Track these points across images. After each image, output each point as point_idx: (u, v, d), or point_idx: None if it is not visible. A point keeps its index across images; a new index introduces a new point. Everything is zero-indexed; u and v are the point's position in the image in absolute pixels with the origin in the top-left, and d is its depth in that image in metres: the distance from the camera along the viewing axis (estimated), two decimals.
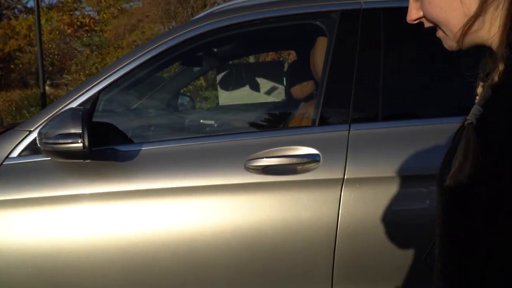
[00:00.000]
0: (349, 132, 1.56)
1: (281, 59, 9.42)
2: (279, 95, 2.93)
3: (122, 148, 1.61)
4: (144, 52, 1.65)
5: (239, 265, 1.54)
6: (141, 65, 1.66)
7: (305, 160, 1.53)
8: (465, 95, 1.69)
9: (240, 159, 1.54)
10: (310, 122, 1.74)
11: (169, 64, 2.25)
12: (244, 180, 1.52)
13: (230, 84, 2.89)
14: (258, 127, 1.98)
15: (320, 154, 1.52)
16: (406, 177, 1.52)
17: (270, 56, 10.46)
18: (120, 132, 1.72)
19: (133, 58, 1.65)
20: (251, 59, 7.23)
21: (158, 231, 1.55)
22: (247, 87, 2.94)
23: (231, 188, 1.53)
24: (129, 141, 1.71)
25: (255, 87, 2.95)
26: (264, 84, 2.95)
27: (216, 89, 3.23)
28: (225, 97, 2.96)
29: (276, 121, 2.19)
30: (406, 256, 1.55)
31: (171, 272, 1.56)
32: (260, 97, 2.94)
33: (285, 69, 3.04)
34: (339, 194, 1.51)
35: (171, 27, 15.01)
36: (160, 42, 1.66)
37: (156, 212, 1.56)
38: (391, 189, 1.52)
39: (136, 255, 1.53)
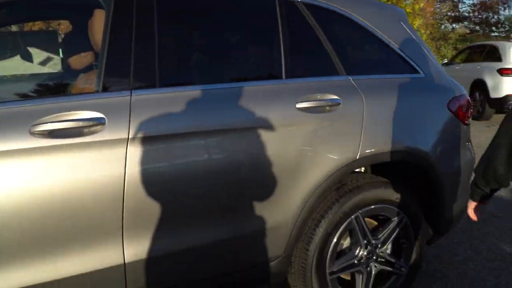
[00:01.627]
0: (131, 97, 1.75)
1: (50, 29, 8.74)
2: (55, 66, 2.88)
3: None
4: None
5: (33, 225, 1.60)
6: None
7: (90, 123, 1.65)
8: (230, 66, 2.08)
9: (24, 124, 1.57)
10: (93, 91, 1.84)
11: None
12: (29, 145, 1.57)
13: None
14: (40, 94, 2.00)
15: (105, 117, 1.67)
16: (183, 134, 1.80)
17: (36, 26, 9.59)
18: None
19: None
20: (15, 28, 6.58)
21: None
22: (18, 57, 2.80)
23: (18, 153, 1.56)
24: None
25: (27, 58, 2.83)
26: (37, 54, 2.86)
27: None
28: None
29: (56, 90, 2.22)
30: (187, 203, 1.85)
31: None
32: (34, 68, 2.83)
33: (60, 39, 2.98)
34: (125, 152, 1.69)
35: None
36: None
37: None
38: (171, 145, 1.79)
39: None
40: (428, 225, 2.57)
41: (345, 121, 2.12)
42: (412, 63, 2.44)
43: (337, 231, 2.18)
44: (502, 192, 4.65)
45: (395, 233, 2.37)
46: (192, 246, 1.89)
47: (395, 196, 2.29)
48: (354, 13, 2.32)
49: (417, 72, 2.46)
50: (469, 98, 2.63)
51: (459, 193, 2.59)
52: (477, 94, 9.60)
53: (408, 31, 2.52)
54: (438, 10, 20.46)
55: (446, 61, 12.11)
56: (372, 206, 2.26)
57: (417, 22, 15.45)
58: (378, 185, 2.28)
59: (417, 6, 15.00)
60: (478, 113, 9.60)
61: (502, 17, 24.47)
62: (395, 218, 2.35)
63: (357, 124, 2.14)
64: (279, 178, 1.99)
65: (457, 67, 10.94)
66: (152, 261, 1.81)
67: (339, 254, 2.29)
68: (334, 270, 2.23)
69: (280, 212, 2.03)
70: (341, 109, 2.12)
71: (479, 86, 9.50)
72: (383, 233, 2.34)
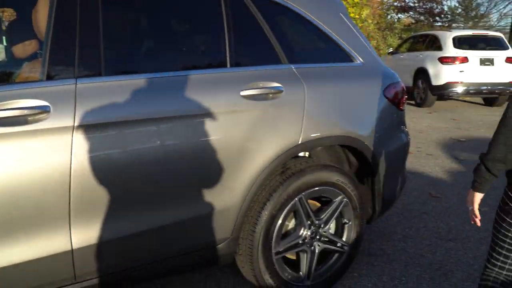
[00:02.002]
0: (76, 86, 1.77)
1: None
2: None
3: None
4: None
5: None
6: None
7: (35, 111, 1.67)
8: (176, 54, 2.12)
9: None
10: (37, 79, 1.85)
11: None
12: None
13: None
14: None
15: (50, 105, 1.69)
16: (128, 121, 1.84)
17: None
18: None
19: None
20: None
21: None
22: None
23: None
24: None
25: None
26: None
27: None
28: None
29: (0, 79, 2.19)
30: (134, 189, 1.89)
31: None
32: None
33: (4, 27, 2.91)
34: (71, 139, 1.72)
35: None
36: None
37: None
38: (117, 133, 1.83)
39: None
40: (368, 205, 2.74)
41: (287, 108, 2.23)
42: (350, 52, 2.58)
43: (282, 213, 2.29)
44: (442, 175, 4.96)
45: (336, 213, 2.51)
46: (140, 230, 1.94)
47: (336, 178, 2.43)
48: (296, 4, 2.42)
49: (355, 61, 2.60)
50: (403, 86, 2.80)
51: (395, 174, 2.77)
52: (420, 82, 10.04)
53: (347, 22, 2.65)
54: (385, 0, 21.05)
55: (392, 50, 12.54)
56: (315, 188, 2.39)
57: (365, 12, 15.89)
58: (320, 168, 2.40)
59: None
60: (421, 100, 10.05)
61: (445, 7, 25.57)
62: (337, 199, 2.49)
63: (299, 111, 2.25)
64: (225, 163, 2.07)
65: (402, 56, 11.38)
66: (100, 247, 1.86)
67: (285, 234, 2.41)
68: (280, 250, 2.35)
69: (226, 196, 2.11)
70: (284, 96, 2.22)
71: (421, 74, 9.94)
72: (325, 213, 2.48)
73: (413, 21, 23.96)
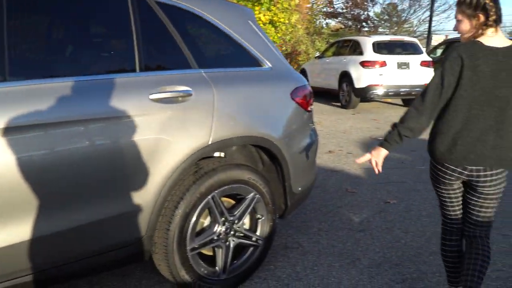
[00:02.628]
0: None
1: None
2: None
3: None
4: None
5: None
6: None
7: None
8: (83, 59, 2.18)
9: None
10: None
11: None
12: None
13: None
14: None
15: None
16: (38, 125, 1.89)
17: None
18: None
19: None
20: None
21: None
22: None
23: None
24: None
25: None
26: None
27: None
28: None
29: None
30: (50, 190, 1.93)
31: None
32: None
33: None
34: None
35: None
36: None
37: None
38: (29, 135, 1.87)
39: None
40: (281, 201, 2.92)
41: (197, 110, 2.35)
42: (258, 57, 2.75)
43: (196, 210, 2.41)
44: (359, 172, 5.29)
45: (249, 209, 2.66)
46: (57, 231, 1.98)
47: (247, 176, 2.58)
48: (205, 11, 2.56)
49: (263, 65, 2.77)
50: (310, 89, 3.02)
51: (305, 171, 2.97)
52: (344, 85, 10.54)
53: (255, 29, 2.82)
54: (315, 6, 21.79)
55: (318, 54, 13.05)
56: (227, 186, 2.53)
57: (294, 18, 16.36)
58: (232, 167, 2.55)
59: (293, 2, 15.87)
60: (346, 102, 10.55)
61: (371, 13, 26.89)
62: (249, 196, 2.64)
63: (209, 113, 2.38)
64: (137, 164, 2.16)
65: (327, 60, 11.88)
66: (18, 247, 1.88)
67: (200, 231, 2.53)
68: (195, 246, 2.46)
69: (139, 196, 2.20)
70: (193, 99, 2.34)
71: (346, 78, 10.44)
72: (238, 210, 2.62)
73: (342, 27, 24.97)
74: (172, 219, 2.34)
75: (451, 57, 2.07)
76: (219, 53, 2.76)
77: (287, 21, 16.04)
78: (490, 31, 2.06)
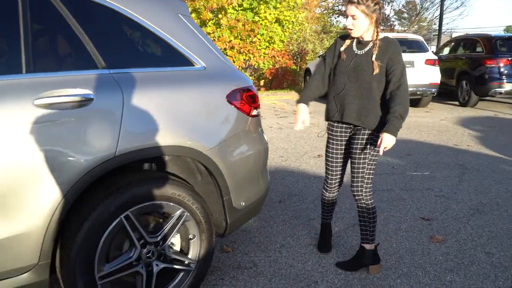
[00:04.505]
0: None
1: None
2: None
3: None
4: None
5: None
6: None
7: None
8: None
9: None
10: None
11: None
12: None
13: None
14: None
15: None
16: None
17: None
18: None
19: None
20: None
21: None
22: None
23: None
24: None
25: None
26: None
27: None
28: None
29: None
30: None
31: None
32: None
33: None
34: None
35: None
36: None
37: None
38: None
39: None
40: (222, 217, 2.57)
41: (99, 118, 2.02)
42: (189, 55, 2.41)
43: (104, 232, 2.08)
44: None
45: (176, 229, 2.32)
46: None
47: (171, 192, 2.24)
48: (121, 4, 2.22)
49: (195, 64, 2.43)
50: (254, 90, 2.66)
51: (249, 184, 2.62)
52: None
53: (188, 24, 2.48)
54: (323, 3, 21.30)
55: (322, 53, 12.61)
56: (145, 204, 2.19)
57: (301, 16, 15.97)
58: (150, 181, 2.21)
59: (299, 0, 15.49)
60: None
61: (388, 11, 26.23)
62: (175, 214, 2.30)
63: (115, 120, 2.05)
64: (19, 182, 1.84)
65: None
66: None
67: (117, 255, 2.21)
68: (105, 273, 2.13)
69: (24, 219, 1.88)
70: (95, 105, 2.01)
71: None
72: (162, 230, 2.29)
73: None
74: (74, 243, 2.02)
75: None
76: (138, 51, 2.42)
77: (294, 19, 15.65)
78: None
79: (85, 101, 1.99)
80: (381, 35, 2.65)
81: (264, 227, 3.56)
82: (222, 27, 13.38)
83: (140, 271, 2.24)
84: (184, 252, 2.43)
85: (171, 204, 2.27)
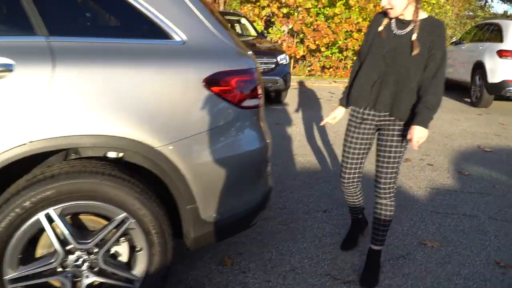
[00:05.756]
0: None
1: None
2: None
3: None
4: None
5: None
6: None
7: None
8: None
9: None
10: None
11: None
12: None
13: None
14: None
15: None
16: None
17: None
18: None
19: None
20: None
21: None
22: None
23: None
24: None
25: None
26: None
27: None
28: None
29: None
30: None
31: None
32: None
33: None
34: None
35: None
36: None
37: None
38: None
39: None
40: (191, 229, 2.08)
41: (15, 94, 1.65)
42: (165, 26, 1.91)
43: (16, 231, 1.74)
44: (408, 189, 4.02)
45: (116, 237, 1.90)
46: None
47: (107, 190, 1.82)
48: None
49: (173, 38, 1.93)
50: (254, 76, 2.07)
51: (228, 192, 2.07)
52: (477, 78, 8.67)
53: None
54: None
55: (455, 39, 11.00)
56: (75, 203, 1.80)
57: None
58: (84, 175, 1.80)
59: None
60: (476, 98, 8.72)
61: None
62: (117, 218, 1.88)
63: (35, 99, 1.67)
64: None
65: (463, 47, 9.91)
66: None
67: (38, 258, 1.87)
68: (16, 277, 1.80)
69: None
70: (13, 77, 1.65)
71: (479, 69, 8.57)
72: (96, 236, 1.88)
73: None
74: None
75: None
76: (95, 17, 1.99)
77: (434, 1, 14.03)
78: None
79: (3, 72, 1.63)
80: (424, 14, 2.33)
81: (285, 241, 2.97)
82: (352, 9, 12.42)
83: (62, 280, 1.87)
84: (130, 266, 2.00)
85: (111, 206, 1.85)
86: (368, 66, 2.42)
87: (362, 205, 2.82)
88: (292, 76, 9.19)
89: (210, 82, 1.93)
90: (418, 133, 2.24)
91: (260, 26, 11.98)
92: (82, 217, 1.93)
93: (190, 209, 1.99)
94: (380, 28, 2.40)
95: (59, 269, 1.87)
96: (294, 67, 12.94)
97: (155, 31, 1.92)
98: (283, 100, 8.30)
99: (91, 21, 1.97)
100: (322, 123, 2.68)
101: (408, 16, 2.32)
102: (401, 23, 2.36)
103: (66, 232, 1.83)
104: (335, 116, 2.64)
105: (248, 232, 3.04)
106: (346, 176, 2.61)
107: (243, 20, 9.55)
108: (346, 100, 2.61)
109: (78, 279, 1.91)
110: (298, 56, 12.41)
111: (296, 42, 12.68)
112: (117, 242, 1.97)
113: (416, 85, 2.33)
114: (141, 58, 1.85)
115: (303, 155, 5.04)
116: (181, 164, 1.90)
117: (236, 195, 2.11)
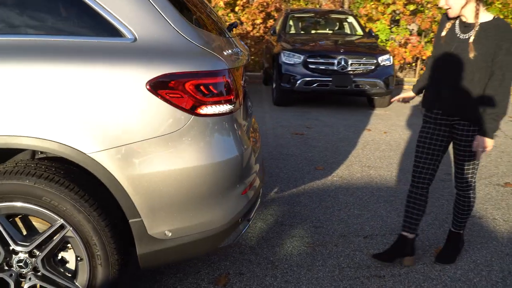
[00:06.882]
0: None
1: None
2: None
3: None
4: None
5: None
6: None
7: None
8: None
9: None
10: None
11: None
12: None
13: None
14: None
15: None
16: None
17: None
18: None
19: None
20: None
21: None
22: None
23: None
24: None
25: None
26: None
27: None
28: None
29: None
30: None
31: None
32: None
33: None
34: None
35: None
36: None
37: None
38: None
39: None
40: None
41: None
42: (113, 21, 1.77)
43: None
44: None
45: (54, 243, 1.82)
46: None
47: (39, 194, 1.74)
48: None
49: (123, 35, 1.78)
50: (220, 79, 1.83)
51: (185, 208, 1.86)
52: None
53: None
54: None
55: None
56: (11, 203, 1.77)
57: None
58: (18, 177, 1.74)
59: None
60: None
61: None
62: (55, 224, 1.80)
63: None
64: None
65: None
66: None
67: None
68: None
69: None
70: None
71: None
72: (35, 239, 1.83)
73: None
74: None
75: None
76: (33, 12, 1.86)
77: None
78: None
79: None
80: (489, 16, 2.28)
81: (299, 267, 2.63)
82: (492, 5, 10.99)
83: (6, 279, 1.86)
84: (71, 275, 1.91)
85: (45, 211, 1.78)
86: (436, 69, 2.47)
87: (419, 217, 2.63)
88: (406, 78, 8.37)
89: (156, 84, 1.74)
90: (482, 143, 2.30)
91: (384, 24, 11.24)
92: (32, 218, 1.90)
93: (134, 223, 1.83)
94: (443, 33, 2.43)
95: (5, 267, 1.86)
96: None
97: (102, 28, 1.78)
98: (381, 105, 7.63)
99: (26, 17, 1.89)
100: (392, 100, 2.87)
101: (470, 18, 2.30)
102: (464, 26, 2.34)
103: (3, 232, 1.81)
104: (404, 97, 2.78)
105: (263, 250, 2.77)
106: (414, 175, 2.60)
107: (350, 19, 9.03)
108: (417, 87, 2.72)
109: (23, 279, 1.88)
110: (424, 57, 11.35)
111: (426, 42, 11.61)
112: (65, 248, 1.91)
113: (481, 90, 2.31)
114: (73, 57, 1.72)
115: (376, 167, 4.51)
116: (118, 173, 1.74)
117: (192, 213, 1.88)
